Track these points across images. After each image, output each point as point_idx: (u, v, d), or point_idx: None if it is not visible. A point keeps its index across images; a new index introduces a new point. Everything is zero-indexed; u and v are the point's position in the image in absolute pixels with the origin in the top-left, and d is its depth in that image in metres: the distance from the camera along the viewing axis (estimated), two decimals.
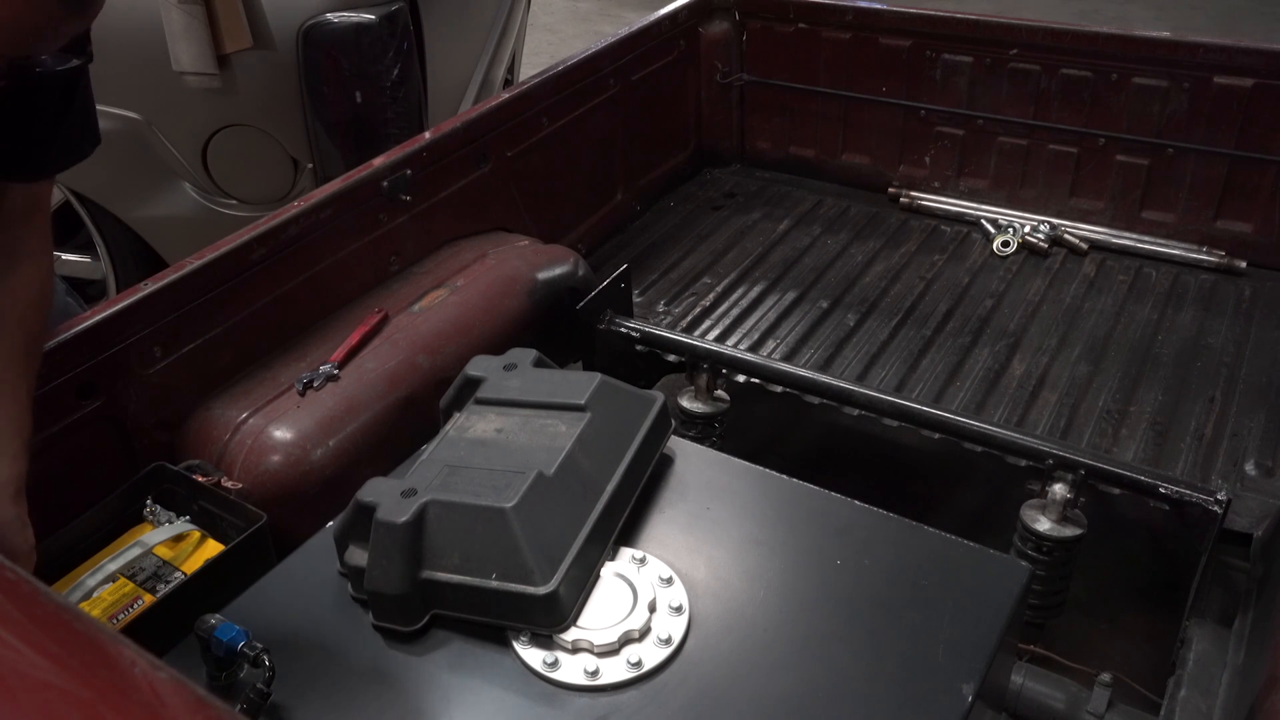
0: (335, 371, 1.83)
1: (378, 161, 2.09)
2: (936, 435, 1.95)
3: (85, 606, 1.45)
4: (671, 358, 2.21)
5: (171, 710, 0.65)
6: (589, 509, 1.34)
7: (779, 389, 2.11)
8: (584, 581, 1.29)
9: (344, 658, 1.26)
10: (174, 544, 1.58)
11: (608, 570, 1.33)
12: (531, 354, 1.59)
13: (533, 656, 1.23)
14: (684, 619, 1.28)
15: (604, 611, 1.27)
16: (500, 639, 1.27)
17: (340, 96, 2.71)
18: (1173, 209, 2.67)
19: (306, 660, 1.26)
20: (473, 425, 1.46)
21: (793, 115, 3.12)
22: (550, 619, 1.24)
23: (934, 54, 2.82)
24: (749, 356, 2.16)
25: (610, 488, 1.37)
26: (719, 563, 1.38)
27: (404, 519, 1.25)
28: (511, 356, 1.59)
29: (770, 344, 2.41)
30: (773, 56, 3.07)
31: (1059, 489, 1.79)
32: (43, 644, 0.67)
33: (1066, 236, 2.74)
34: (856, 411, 2.02)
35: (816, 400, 2.06)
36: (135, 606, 1.46)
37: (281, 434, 1.71)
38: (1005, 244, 2.74)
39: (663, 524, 1.44)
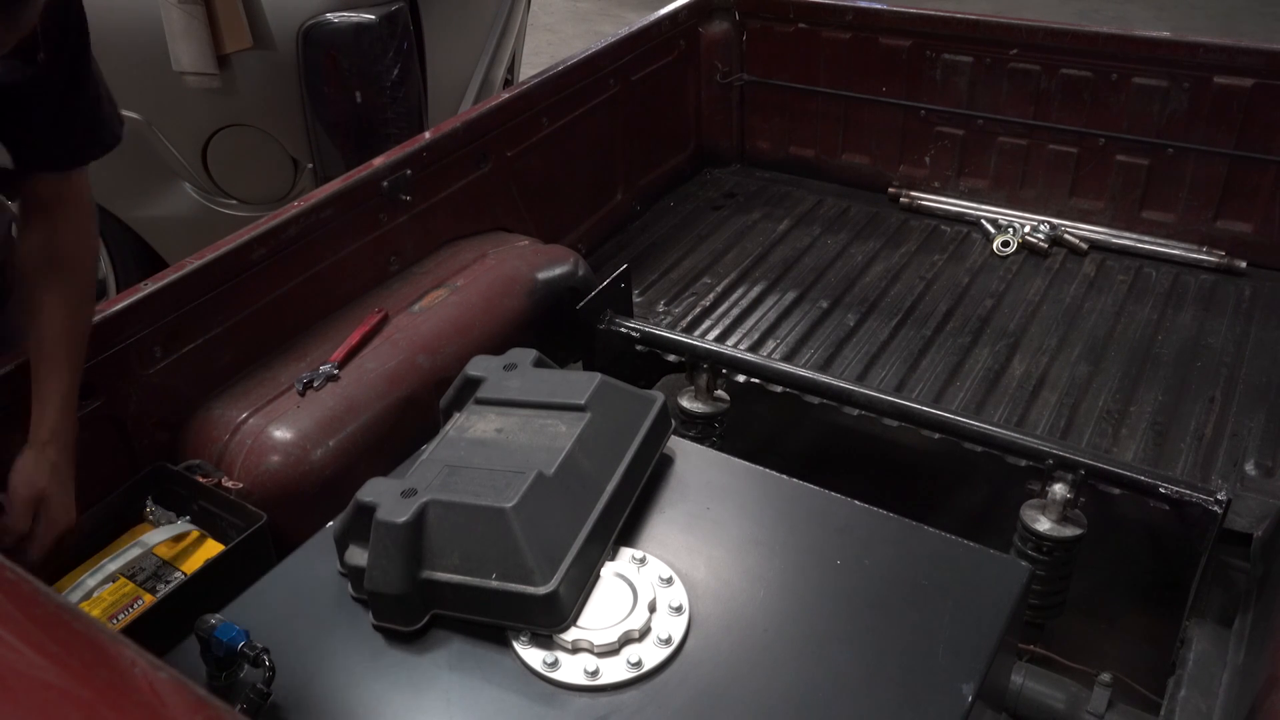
0: (335, 371, 1.83)
1: (378, 161, 2.09)
2: (936, 435, 1.95)
3: (85, 607, 1.46)
4: (671, 358, 2.21)
5: (171, 710, 0.65)
6: (589, 509, 1.34)
7: (779, 389, 2.11)
8: (584, 581, 1.29)
9: (344, 658, 1.26)
10: (174, 544, 1.58)
11: (608, 570, 1.33)
12: (531, 354, 1.59)
13: (533, 656, 1.23)
14: (684, 619, 1.28)
15: (604, 611, 1.27)
16: (500, 639, 1.27)
17: (340, 96, 2.71)
18: (1173, 209, 2.67)
19: (306, 660, 1.26)
20: (473, 425, 1.46)
21: (793, 115, 3.12)
22: (550, 619, 1.24)
23: (934, 54, 2.82)
24: (749, 356, 2.16)
25: (610, 488, 1.37)
26: (719, 563, 1.38)
27: (404, 519, 1.25)
28: (511, 356, 1.59)
29: (770, 344, 2.41)
30: (773, 56, 3.07)
31: (1059, 489, 1.79)
32: (43, 644, 0.67)
33: (1066, 236, 2.74)
34: (856, 411, 2.02)
35: (816, 400, 2.06)
36: (135, 607, 1.47)
37: (281, 434, 1.71)
38: (1005, 244, 2.74)
39: (663, 524, 1.44)
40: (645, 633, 1.26)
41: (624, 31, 2.78)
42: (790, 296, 2.58)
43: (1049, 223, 2.77)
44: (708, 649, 1.26)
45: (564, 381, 1.52)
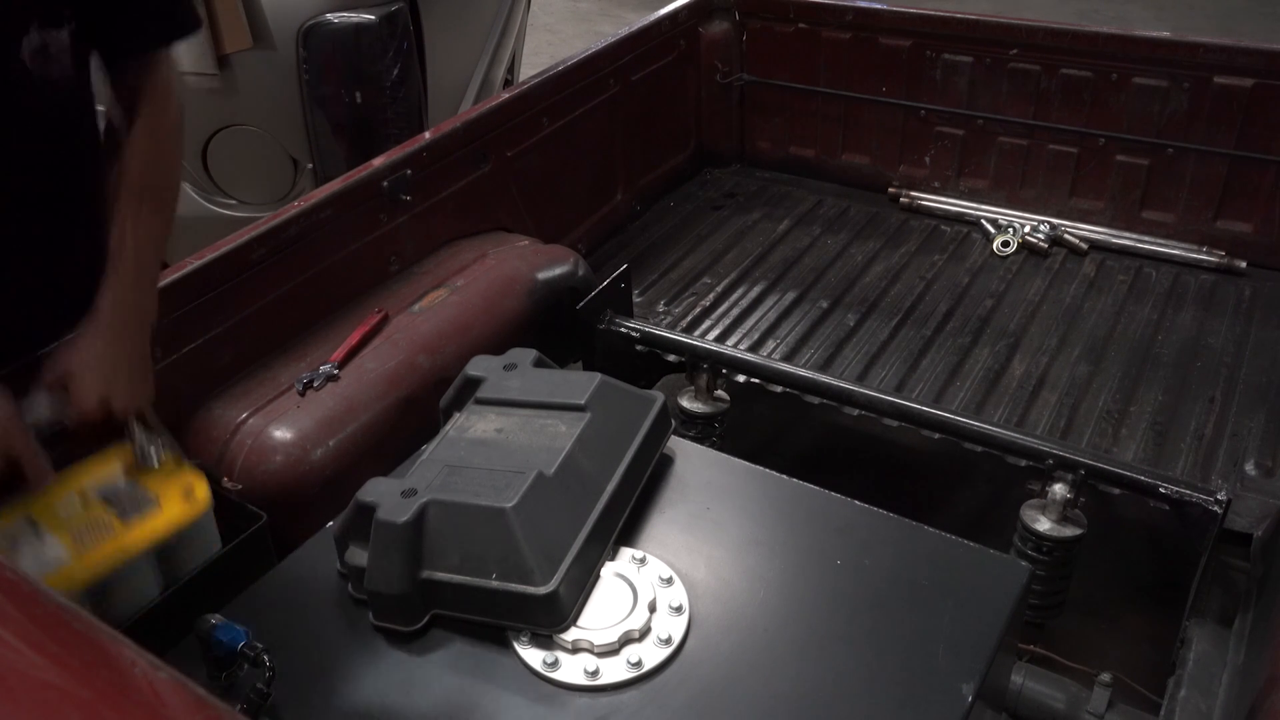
0: (335, 371, 1.83)
1: (378, 161, 2.09)
2: (936, 435, 1.95)
3: (53, 526, 1.38)
4: (671, 358, 2.21)
5: (171, 710, 0.65)
6: (589, 509, 1.34)
7: (779, 389, 2.11)
8: (584, 581, 1.29)
9: (344, 658, 1.26)
10: (149, 471, 1.48)
11: (608, 570, 1.33)
12: (531, 354, 1.59)
13: (533, 656, 1.23)
14: (684, 619, 1.28)
15: (604, 611, 1.27)
16: (500, 639, 1.27)
17: (340, 97, 2.71)
18: (1173, 209, 2.67)
19: (307, 660, 1.26)
20: (473, 425, 1.46)
21: (793, 115, 3.12)
22: (550, 619, 1.24)
23: (934, 54, 2.82)
24: (749, 356, 2.16)
25: (610, 488, 1.37)
26: (719, 563, 1.38)
27: (404, 519, 1.25)
28: (511, 356, 1.59)
29: (770, 344, 2.41)
30: (773, 56, 3.07)
31: (1059, 489, 1.79)
32: (42, 643, 0.67)
33: (1066, 236, 2.74)
34: (856, 411, 2.02)
35: (816, 400, 2.06)
36: (104, 534, 1.38)
37: (281, 434, 1.71)
38: (1005, 244, 2.74)
39: (663, 524, 1.44)
40: (645, 633, 1.26)
41: (624, 31, 2.78)
42: (790, 296, 2.58)
43: (1049, 223, 2.77)
44: (708, 649, 1.26)
45: (564, 381, 1.52)
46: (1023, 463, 1.85)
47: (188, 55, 2.60)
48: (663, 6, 2.94)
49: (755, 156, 3.24)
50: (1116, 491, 1.79)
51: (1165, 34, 2.57)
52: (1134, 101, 2.60)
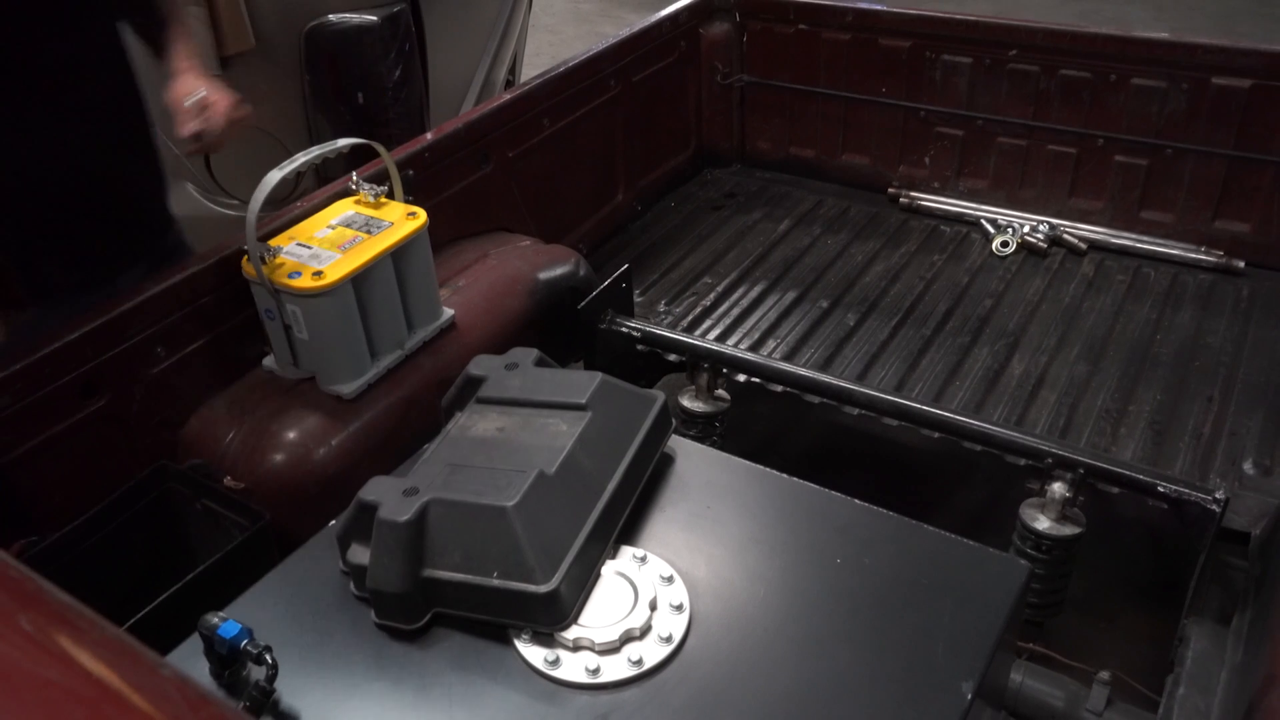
0: None
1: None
2: (936, 434, 1.95)
3: (318, 244, 1.76)
4: (672, 357, 2.21)
5: (175, 708, 0.65)
6: (590, 508, 1.34)
7: (779, 388, 2.11)
8: (585, 580, 1.30)
9: (346, 656, 1.27)
10: (374, 206, 1.88)
11: (609, 569, 1.34)
12: (533, 353, 1.60)
13: (534, 655, 1.24)
14: (685, 617, 1.29)
15: (605, 610, 1.28)
16: (502, 637, 1.27)
17: (342, 98, 2.72)
18: (1171, 209, 2.67)
19: (309, 658, 1.26)
20: (474, 424, 1.47)
21: (793, 116, 3.13)
22: (551, 617, 1.25)
23: (934, 55, 2.83)
24: (749, 356, 2.17)
25: (611, 486, 1.38)
26: (720, 561, 1.38)
27: (406, 518, 1.26)
28: (513, 356, 1.59)
29: (770, 343, 2.42)
30: (773, 57, 3.07)
31: (1058, 488, 1.79)
32: (46, 642, 0.67)
33: (1066, 236, 2.75)
34: (856, 411, 2.03)
35: (817, 400, 2.07)
36: (356, 242, 1.77)
37: (284, 433, 1.72)
38: (1005, 244, 2.75)
39: (663, 523, 1.44)
40: (646, 631, 1.26)
41: (625, 32, 2.78)
42: (790, 296, 2.59)
43: (1048, 223, 2.77)
44: (708, 647, 1.26)
45: (565, 381, 1.53)
46: (1022, 462, 1.86)
47: None
48: (663, 7, 2.94)
49: (755, 157, 3.25)
50: (1115, 490, 1.79)
51: (1164, 35, 2.58)
52: (1133, 102, 2.61)
